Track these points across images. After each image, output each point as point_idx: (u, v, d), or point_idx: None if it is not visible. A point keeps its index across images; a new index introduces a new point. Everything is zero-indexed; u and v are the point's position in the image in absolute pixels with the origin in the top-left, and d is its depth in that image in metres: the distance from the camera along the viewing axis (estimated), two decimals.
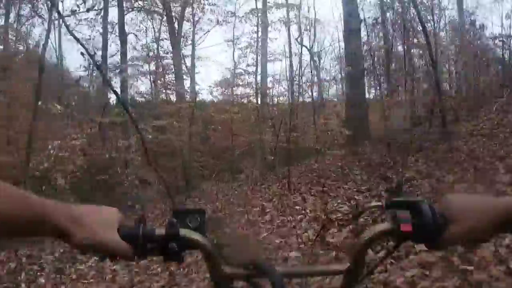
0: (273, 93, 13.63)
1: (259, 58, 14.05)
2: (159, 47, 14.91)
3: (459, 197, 0.57)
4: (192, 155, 11.90)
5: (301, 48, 14.72)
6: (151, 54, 14.88)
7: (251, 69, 14.54)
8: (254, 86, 14.01)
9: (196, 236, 0.56)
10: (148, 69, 15.27)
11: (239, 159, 12.79)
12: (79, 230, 0.51)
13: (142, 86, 16.61)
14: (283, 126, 7.94)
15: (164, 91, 15.43)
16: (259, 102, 12.26)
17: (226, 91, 14.27)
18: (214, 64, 20.58)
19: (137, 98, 15.77)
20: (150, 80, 15.60)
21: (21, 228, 0.48)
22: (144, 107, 14.45)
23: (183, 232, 0.55)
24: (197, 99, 13.61)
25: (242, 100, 13.30)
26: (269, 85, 13.52)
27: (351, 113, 9.39)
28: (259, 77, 13.87)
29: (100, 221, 0.53)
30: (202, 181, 12.04)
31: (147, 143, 6.23)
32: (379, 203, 0.68)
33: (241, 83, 14.32)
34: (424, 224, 0.54)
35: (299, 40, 14.75)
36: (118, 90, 9.22)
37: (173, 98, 14.27)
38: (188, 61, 15.23)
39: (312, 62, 14.86)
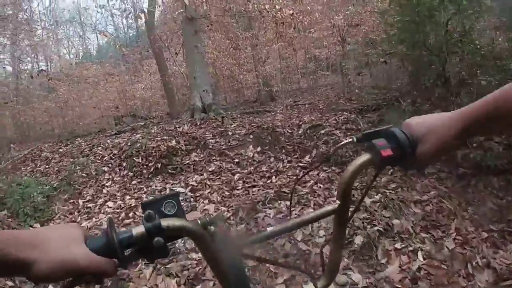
0: None
1: None
2: None
3: (419, 119, 0.60)
4: None
5: None
6: None
7: None
8: None
9: (180, 222, 0.50)
10: None
11: None
12: (41, 256, 0.42)
13: None
14: None
15: None
16: None
17: None
18: None
19: None
20: None
21: None
22: None
23: (165, 222, 0.49)
24: None
25: None
26: None
27: None
28: None
29: (62, 239, 0.45)
30: None
31: None
32: (350, 139, 0.70)
33: None
34: (401, 146, 0.57)
35: None
36: None
37: None
38: None
39: None
